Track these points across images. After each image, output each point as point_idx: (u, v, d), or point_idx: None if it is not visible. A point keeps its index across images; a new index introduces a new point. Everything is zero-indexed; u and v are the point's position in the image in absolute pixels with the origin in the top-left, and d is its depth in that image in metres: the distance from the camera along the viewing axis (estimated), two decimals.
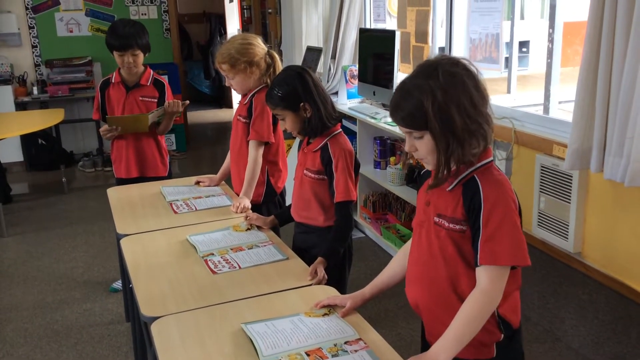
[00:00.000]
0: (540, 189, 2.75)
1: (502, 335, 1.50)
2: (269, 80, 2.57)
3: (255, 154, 2.58)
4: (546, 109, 2.92)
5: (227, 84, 2.63)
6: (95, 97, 3.21)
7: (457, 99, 1.36)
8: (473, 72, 1.40)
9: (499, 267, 1.40)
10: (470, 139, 1.38)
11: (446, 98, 1.35)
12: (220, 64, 2.54)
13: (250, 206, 2.52)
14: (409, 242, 1.70)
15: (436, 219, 1.48)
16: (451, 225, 1.45)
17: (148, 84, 3.13)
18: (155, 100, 3.15)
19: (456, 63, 1.40)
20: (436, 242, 1.48)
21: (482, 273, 1.40)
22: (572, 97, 2.39)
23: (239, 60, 2.50)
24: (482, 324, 1.40)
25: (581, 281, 2.65)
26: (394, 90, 1.46)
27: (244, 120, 2.63)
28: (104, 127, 3.09)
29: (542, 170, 2.73)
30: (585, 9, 2.28)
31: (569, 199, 2.60)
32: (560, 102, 2.95)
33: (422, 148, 1.42)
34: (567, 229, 2.64)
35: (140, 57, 3.05)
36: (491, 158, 1.46)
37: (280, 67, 2.59)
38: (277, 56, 2.62)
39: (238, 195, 2.62)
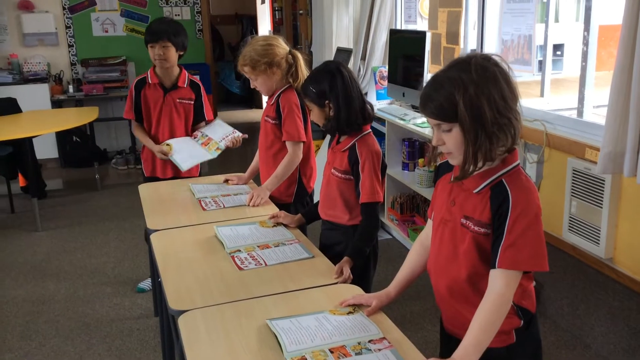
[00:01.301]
0: (572, 192, 2.71)
1: (522, 322, 1.52)
2: (291, 80, 2.60)
3: (292, 153, 2.60)
4: (580, 113, 2.88)
5: (252, 86, 2.65)
6: (129, 95, 3.16)
7: (489, 92, 1.36)
8: (504, 69, 1.41)
9: (515, 271, 1.41)
10: (499, 134, 1.38)
11: (478, 91, 1.36)
12: (241, 66, 2.57)
13: (267, 197, 2.56)
14: (423, 233, 1.72)
15: (463, 221, 1.48)
16: (477, 228, 1.45)
17: (185, 85, 3.15)
18: (192, 102, 3.15)
19: (488, 59, 1.41)
20: (461, 243, 1.49)
21: (498, 275, 1.41)
22: (607, 101, 2.35)
23: (259, 61, 2.52)
24: (499, 325, 1.41)
25: (612, 287, 2.60)
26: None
27: (272, 120, 2.65)
28: (161, 150, 3.04)
29: (573, 173, 2.69)
30: (621, 12, 2.24)
31: (601, 204, 2.56)
32: (595, 107, 2.91)
33: (449, 141, 1.42)
34: (599, 234, 2.59)
35: (171, 51, 3.02)
36: (518, 161, 1.46)
37: (302, 66, 2.61)
38: (299, 55, 2.62)
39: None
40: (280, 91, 2.62)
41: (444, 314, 1.64)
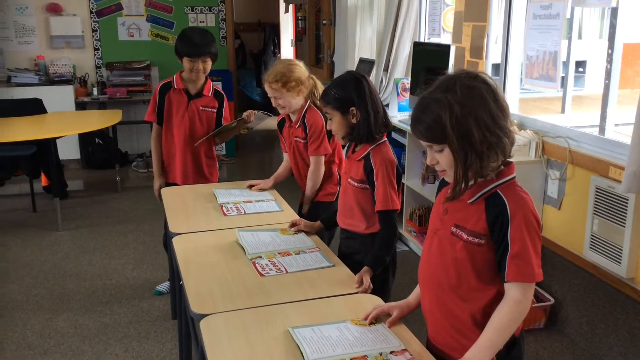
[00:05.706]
0: (594, 211, 2.70)
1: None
2: (313, 99, 2.73)
3: (315, 167, 2.72)
4: (602, 130, 2.86)
5: (274, 104, 2.72)
6: (153, 98, 3.19)
7: (475, 112, 1.37)
8: (492, 86, 1.41)
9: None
10: (489, 152, 1.38)
11: (464, 111, 1.36)
12: (271, 83, 2.66)
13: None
14: None
15: (453, 229, 1.49)
16: (470, 238, 1.45)
17: (210, 94, 3.20)
18: (215, 110, 3.21)
19: (475, 77, 1.41)
20: (450, 251, 1.49)
21: (512, 286, 1.41)
22: (629, 120, 2.34)
23: (290, 78, 2.64)
24: (512, 332, 1.42)
25: (633, 307, 2.58)
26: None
27: (302, 140, 2.75)
28: (159, 189, 3.12)
29: (596, 191, 2.67)
30: None
31: (624, 223, 2.54)
32: (616, 125, 2.89)
33: (442, 161, 1.44)
34: (621, 253, 2.57)
35: (209, 64, 3.10)
36: (514, 175, 1.46)
37: (320, 88, 2.69)
38: (317, 79, 2.78)
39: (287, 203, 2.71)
40: (304, 111, 2.72)
41: (429, 327, 1.63)
